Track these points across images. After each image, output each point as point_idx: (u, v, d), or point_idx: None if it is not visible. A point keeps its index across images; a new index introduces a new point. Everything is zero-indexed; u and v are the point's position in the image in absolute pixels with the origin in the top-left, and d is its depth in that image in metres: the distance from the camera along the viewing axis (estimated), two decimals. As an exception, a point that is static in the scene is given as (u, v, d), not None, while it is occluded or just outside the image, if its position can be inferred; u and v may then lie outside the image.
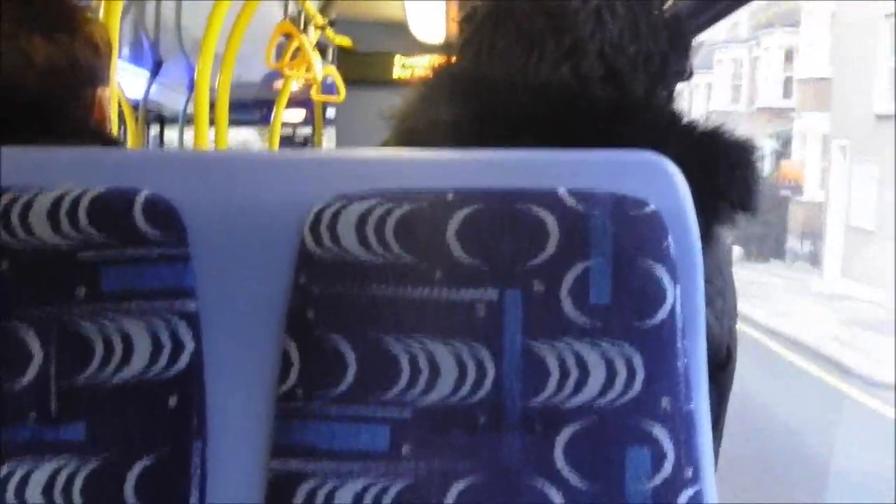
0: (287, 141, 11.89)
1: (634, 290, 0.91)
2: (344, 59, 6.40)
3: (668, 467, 0.91)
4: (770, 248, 24.49)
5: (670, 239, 0.92)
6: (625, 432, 0.91)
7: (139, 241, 0.92)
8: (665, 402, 0.91)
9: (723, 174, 1.10)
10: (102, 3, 2.36)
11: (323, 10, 5.48)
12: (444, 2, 4.84)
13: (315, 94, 6.13)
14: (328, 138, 8.54)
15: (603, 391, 0.91)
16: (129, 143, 5.33)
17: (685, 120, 1.13)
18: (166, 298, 0.93)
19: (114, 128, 1.43)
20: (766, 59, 28.01)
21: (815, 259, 23.47)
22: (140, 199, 0.92)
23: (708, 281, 0.98)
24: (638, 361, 0.91)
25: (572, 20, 1.14)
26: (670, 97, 1.19)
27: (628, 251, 0.91)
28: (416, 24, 5.65)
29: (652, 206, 0.92)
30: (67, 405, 0.92)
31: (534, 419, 0.91)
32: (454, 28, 1.25)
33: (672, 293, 0.92)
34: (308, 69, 5.32)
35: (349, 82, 5.95)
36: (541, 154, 0.95)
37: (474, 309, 0.91)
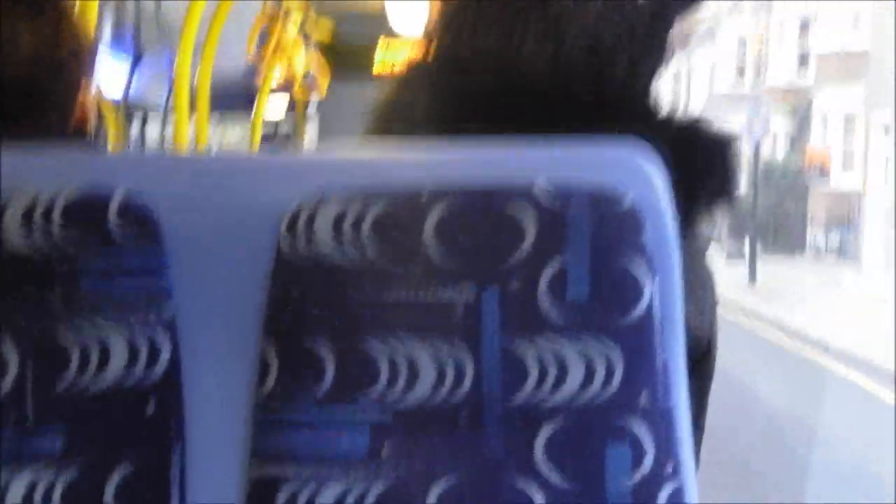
0: (268, 138, 11.84)
1: (612, 286, 0.91)
2: (324, 52, 6.39)
3: (648, 464, 0.91)
4: (788, 239, 22.74)
5: (648, 233, 0.92)
6: (604, 429, 0.91)
7: (114, 246, 0.92)
8: (644, 398, 0.91)
9: (702, 166, 1.10)
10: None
11: (303, 3, 5.47)
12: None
13: (298, 91, 6.13)
14: (310, 130, 8.53)
15: (582, 388, 0.91)
16: (110, 138, 5.31)
17: (663, 112, 1.12)
18: (143, 303, 0.92)
19: (94, 121, 1.43)
20: (777, 33, 25.87)
21: (844, 252, 21.32)
22: (114, 204, 0.92)
23: (687, 274, 0.98)
24: (617, 358, 0.91)
25: None
26: (652, 75, 1.19)
27: (605, 247, 0.91)
28: (396, 16, 5.65)
29: (629, 201, 0.91)
30: (45, 414, 0.91)
31: (514, 418, 0.91)
32: (435, 11, 1.24)
33: (649, 288, 0.92)
34: (289, 63, 5.31)
35: (331, 74, 5.94)
36: (517, 149, 0.95)
37: (453, 308, 0.91)
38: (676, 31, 1.20)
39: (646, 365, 0.92)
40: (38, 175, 0.94)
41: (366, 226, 0.91)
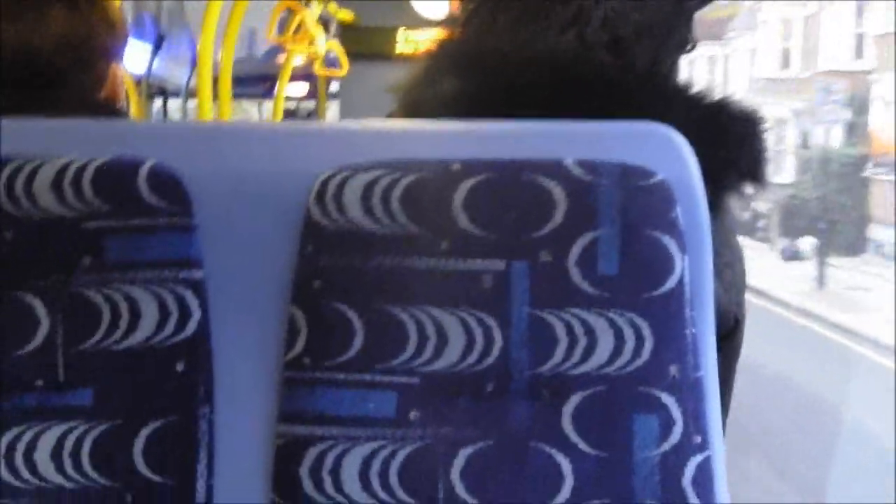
0: (290, 115, 11.86)
1: (642, 260, 0.91)
2: (346, 33, 6.38)
3: (676, 434, 0.91)
4: (847, 237, 20.56)
5: (678, 209, 0.92)
6: (633, 399, 0.91)
7: (144, 211, 0.92)
8: (673, 370, 0.91)
9: (731, 145, 1.09)
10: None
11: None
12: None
13: (318, 69, 6.12)
14: (332, 112, 8.53)
15: (611, 359, 0.91)
16: (133, 116, 5.34)
17: (691, 91, 1.12)
18: (172, 267, 0.93)
19: (124, 104, 1.45)
20: (829, 15, 23.77)
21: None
22: (144, 170, 0.92)
23: (716, 252, 0.98)
24: (646, 330, 0.91)
25: None
26: (674, 67, 1.19)
27: (636, 221, 0.91)
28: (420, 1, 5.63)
29: (660, 176, 0.91)
30: (75, 371, 0.92)
31: (541, 387, 0.91)
32: (456, 3, 1.24)
33: (680, 263, 0.91)
34: (311, 44, 5.31)
35: (352, 57, 5.93)
36: (547, 125, 0.95)
37: (481, 279, 0.91)
38: (707, 13, 1.19)
39: (675, 337, 0.91)
40: (70, 143, 0.95)
41: (395, 195, 0.91)
